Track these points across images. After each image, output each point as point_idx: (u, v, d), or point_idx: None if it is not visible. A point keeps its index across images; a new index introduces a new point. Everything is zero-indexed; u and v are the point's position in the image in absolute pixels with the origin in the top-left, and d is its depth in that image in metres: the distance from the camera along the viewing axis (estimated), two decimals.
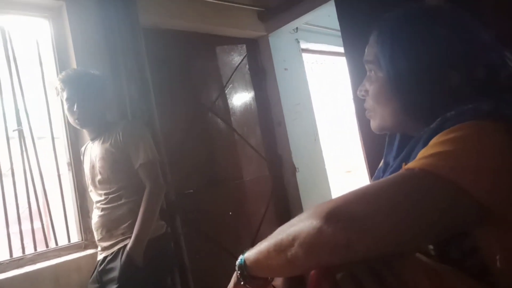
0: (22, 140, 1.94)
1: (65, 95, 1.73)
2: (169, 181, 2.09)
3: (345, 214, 0.51)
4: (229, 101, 2.80)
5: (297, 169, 2.94)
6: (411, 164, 0.55)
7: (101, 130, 1.80)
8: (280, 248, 0.57)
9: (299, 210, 2.92)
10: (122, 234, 1.69)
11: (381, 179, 0.56)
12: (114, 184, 1.74)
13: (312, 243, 0.52)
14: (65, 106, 1.76)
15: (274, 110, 3.04)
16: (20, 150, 1.93)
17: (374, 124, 0.78)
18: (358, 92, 0.80)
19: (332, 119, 4.48)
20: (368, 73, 0.78)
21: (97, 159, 1.77)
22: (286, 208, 2.96)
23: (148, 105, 2.13)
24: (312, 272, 0.57)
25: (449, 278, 0.51)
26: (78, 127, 1.83)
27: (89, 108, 1.73)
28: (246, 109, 2.91)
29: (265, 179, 2.91)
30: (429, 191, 0.52)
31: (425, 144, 0.59)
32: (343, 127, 4.53)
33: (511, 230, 0.52)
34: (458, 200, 0.51)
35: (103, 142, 1.77)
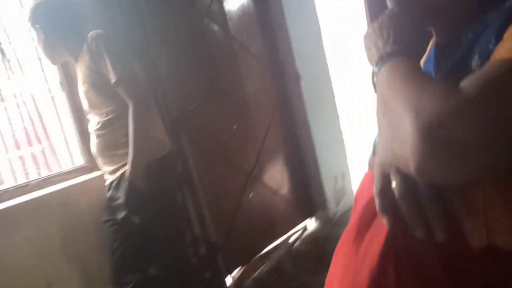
0: (5, 62, 1.78)
1: None
2: (170, 98, 1.98)
3: (448, 140, 0.42)
4: (224, 3, 2.54)
5: (300, 77, 2.79)
6: (504, 54, 0.44)
7: (78, 49, 1.61)
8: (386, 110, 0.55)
9: (304, 120, 2.84)
10: (122, 159, 1.61)
11: (479, 79, 0.44)
12: (104, 108, 1.61)
13: (401, 149, 0.47)
14: None
15: (274, 11, 2.77)
16: (5, 73, 1.79)
17: None
18: None
19: (337, 20, 4.17)
20: None
21: (80, 83, 1.63)
22: (291, 118, 2.89)
23: (139, 15, 1.92)
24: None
25: None
26: None
27: (49, 46, 1.63)
28: (243, 12, 2.65)
29: (268, 89, 2.77)
30: None
31: (503, 27, 0.48)
32: (349, 31, 4.25)
33: None
34: None
35: (80, 64, 1.61)
